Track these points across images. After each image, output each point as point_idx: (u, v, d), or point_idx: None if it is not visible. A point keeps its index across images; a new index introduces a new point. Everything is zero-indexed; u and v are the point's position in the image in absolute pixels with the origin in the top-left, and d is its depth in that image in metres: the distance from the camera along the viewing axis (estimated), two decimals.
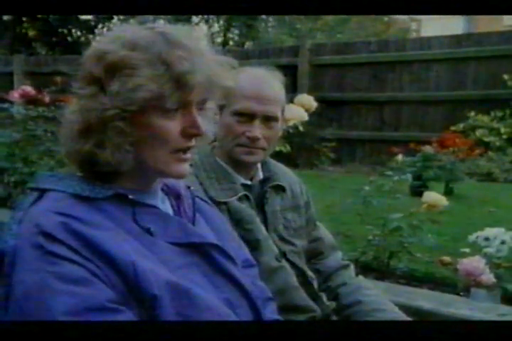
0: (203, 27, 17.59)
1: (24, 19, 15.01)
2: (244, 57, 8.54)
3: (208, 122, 1.16)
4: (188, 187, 1.29)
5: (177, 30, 1.11)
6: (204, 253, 1.16)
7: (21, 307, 0.97)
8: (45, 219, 1.02)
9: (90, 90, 1.07)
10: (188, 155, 1.14)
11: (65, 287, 0.96)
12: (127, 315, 0.99)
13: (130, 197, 1.11)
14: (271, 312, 1.34)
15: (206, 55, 1.10)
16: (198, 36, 1.13)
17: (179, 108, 1.10)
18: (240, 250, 1.33)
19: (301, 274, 1.75)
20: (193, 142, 1.13)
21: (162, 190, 1.22)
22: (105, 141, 1.07)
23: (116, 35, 1.10)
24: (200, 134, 1.12)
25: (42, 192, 1.10)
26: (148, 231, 1.10)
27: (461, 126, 7.44)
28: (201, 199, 1.35)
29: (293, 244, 1.77)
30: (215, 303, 1.10)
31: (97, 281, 0.98)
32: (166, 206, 1.21)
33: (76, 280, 0.97)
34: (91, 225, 1.03)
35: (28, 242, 1.00)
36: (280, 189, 1.79)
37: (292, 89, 7.52)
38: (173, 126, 1.09)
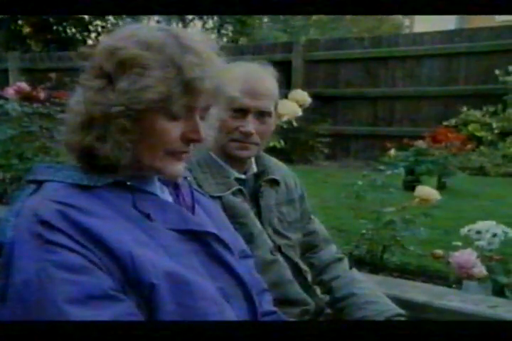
0: (197, 23, 17.56)
1: (19, 16, 14.92)
2: (239, 54, 8.52)
3: (207, 128, 1.17)
4: (185, 178, 1.30)
5: (190, 35, 1.12)
6: (202, 241, 1.17)
7: (21, 296, 0.97)
8: (43, 208, 1.02)
9: (98, 83, 1.08)
10: (184, 156, 1.15)
11: (65, 275, 0.96)
12: (127, 304, 1.00)
13: (129, 183, 1.12)
14: (267, 304, 1.35)
15: (215, 63, 1.12)
16: (209, 43, 1.14)
17: (183, 112, 1.11)
18: (236, 241, 1.34)
19: (295, 267, 1.77)
20: (191, 147, 1.14)
21: (159, 179, 1.22)
22: (106, 136, 1.08)
23: (129, 33, 1.11)
24: (199, 140, 1.13)
25: (39, 183, 1.11)
26: (147, 216, 1.11)
27: (453, 121, 7.47)
28: (197, 190, 1.36)
29: (287, 238, 1.78)
30: (211, 292, 1.11)
31: (96, 270, 0.99)
32: (165, 195, 1.22)
33: (76, 269, 0.97)
34: (89, 214, 1.03)
35: (27, 231, 1.00)
36: (274, 183, 1.80)
37: (286, 85, 7.52)
38: (174, 129, 1.11)
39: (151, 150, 1.11)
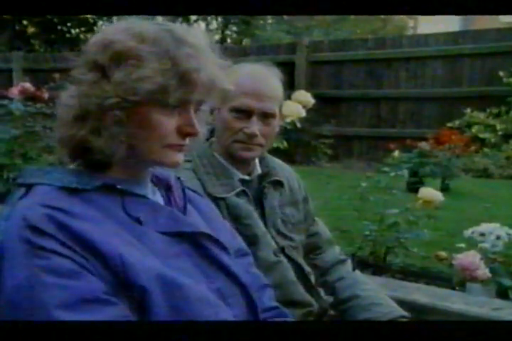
0: (201, 24, 17.59)
1: (23, 16, 14.96)
2: (242, 54, 8.54)
3: (201, 123, 1.16)
4: (178, 178, 1.29)
5: (184, 30, 1.12)
6: (195, 242, 1.15)
7: (12, 302, 0.96)
8: (31, 212, 1.01)
9: (92, 77, 1.07)
10: (182, 148, 1.14)
11: (55, 280, 0.95)
12: (120, 307, 0.99)
13: (118, 187, 1.10)
14: (267, 299, 1.34)
15: (210, 56, 1.11)
16: (202, 37, 1.14)
17: (178, 105, 1.10)
18: (233, 239, 1.32)
19: (298, 269, 1.75)
20: (187, 141, 1.13)
21: (152, 181, 1.21)
22: (101, 129, 1.06)
23: (124, 27, 1.10)
24: (195, 133, 1.13)
25: (29, 187, 1.09)
26: (137, 220, 1.09)
27: (457, 122, 7.47)
28: (191, 189, 1.35)
29: (291, 239, 1.77)
30: (205, 294, 1.09)
31: (86, 274, 0.98)
32: (156, 197, 1.20)
33: (66, 274, 0.96)
34: (78, 217, 1.02)
35: (16, 236, 0.99)
36: (278, 184, 1.79)
37: (290, 86, 7.52)
38: (170, 122, 1.10)
39: (147, 144, 1.10)
